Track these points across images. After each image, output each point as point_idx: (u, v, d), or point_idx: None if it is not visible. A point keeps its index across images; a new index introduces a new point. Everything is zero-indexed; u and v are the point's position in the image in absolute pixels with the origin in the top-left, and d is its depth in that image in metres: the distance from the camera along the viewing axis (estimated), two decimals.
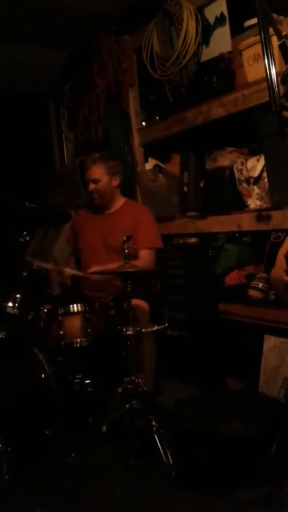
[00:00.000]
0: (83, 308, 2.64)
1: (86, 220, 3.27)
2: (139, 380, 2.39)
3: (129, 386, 2.37)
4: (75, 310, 2.64)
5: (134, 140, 3.84)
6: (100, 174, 3.08)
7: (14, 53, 3.99)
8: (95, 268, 2.85)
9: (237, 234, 3.14)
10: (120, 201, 3.22)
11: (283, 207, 2.64)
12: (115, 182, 3.13)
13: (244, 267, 3.15)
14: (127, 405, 2.35)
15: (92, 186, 3.09)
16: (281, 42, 2.41)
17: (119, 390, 2.37)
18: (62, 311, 2.62)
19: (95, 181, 3.08)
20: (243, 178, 2.97)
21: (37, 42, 3.96)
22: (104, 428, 2.29)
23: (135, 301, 2.75)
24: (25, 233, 2.72)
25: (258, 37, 2.58)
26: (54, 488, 2.23)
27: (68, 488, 2.21)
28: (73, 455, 2.36)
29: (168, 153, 3.78)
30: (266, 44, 2.49)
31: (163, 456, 2.20)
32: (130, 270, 2.43)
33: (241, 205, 2.98)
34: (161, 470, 2.19)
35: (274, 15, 2.50)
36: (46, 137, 4.96)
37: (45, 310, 2.67)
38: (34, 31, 3.76)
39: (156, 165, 3.86)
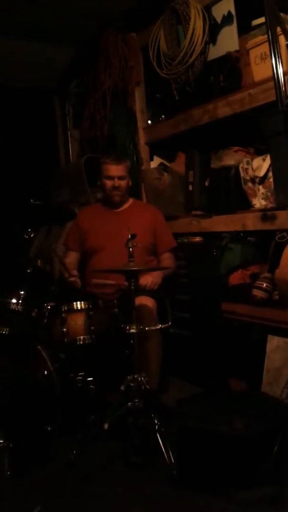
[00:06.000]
0: (87, 306, 2.65)
1: (95, 219, 3.25)
2: (142, 378, 2.39)
3: (131, 384, 2.37)
4: (79, 308, 2.65)
5: (139, 139, 3.82)
6: (125, 172, 3.18)
7: (20, 50, 3.99)
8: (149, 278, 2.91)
9: (241, 234, 3.12)
10: (129, 200, 3.30)
11: None
12: (130, 182, 3.25)
13: (248, 267, 3.14)
14: (129, 403, 2.35)
15: (117, 182, 3.14)
16: None
17: (122, 388, 2.37)
18: (66, 308, 2.62)
19: (122, 178, 3.15)
20: (248, 178, 2.96)
21: (43, 39, 3.96)
22: (106, 426, 2.29)
23: (142, 299, 2.75)
24: (29, 230, 2.73)
25: (265, 36, 2.57)
26: (55, 485, 2.23)
27: (69, 485, 2.21)
28: (74, 452, 2.37)
29: (173, 152, 3.76)
30: (273, 43, 2.48)
31: (165, 454, 2.20)
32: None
33: (246, 205, 2.97)
34: (162, 469, 2.19)
35: (282, 14, 2.50)
36: (52, 134, 4.96)
37: (49, 307, 2.67)
38: (41, 28, 3.76)
39: (161, 164, 3.86)
